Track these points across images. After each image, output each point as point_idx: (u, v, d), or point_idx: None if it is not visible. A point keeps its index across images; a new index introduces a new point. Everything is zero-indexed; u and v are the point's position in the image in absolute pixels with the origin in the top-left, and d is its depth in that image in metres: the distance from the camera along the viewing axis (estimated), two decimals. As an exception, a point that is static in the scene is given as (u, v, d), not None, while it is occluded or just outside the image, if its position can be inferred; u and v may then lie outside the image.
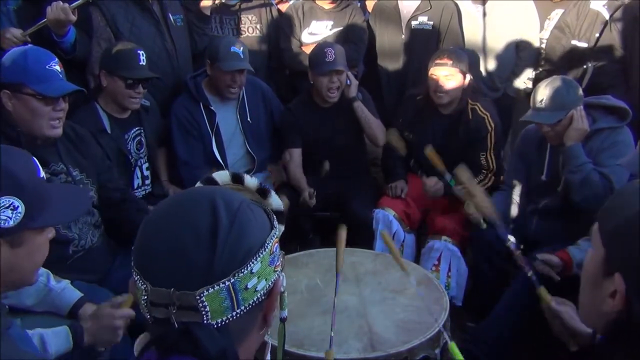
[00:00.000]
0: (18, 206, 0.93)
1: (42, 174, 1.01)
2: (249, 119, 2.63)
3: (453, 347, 1.30)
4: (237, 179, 0.82)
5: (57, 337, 1.37)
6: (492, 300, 2.17)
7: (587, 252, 0.84)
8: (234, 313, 0.69)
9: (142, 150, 2.34)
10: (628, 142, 2.11)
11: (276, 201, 0.82)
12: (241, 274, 0.69)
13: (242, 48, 2.45)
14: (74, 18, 2.06)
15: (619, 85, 2.70)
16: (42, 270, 1.60)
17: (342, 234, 1.59)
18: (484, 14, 2.98)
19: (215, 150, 2.56)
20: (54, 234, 1.06)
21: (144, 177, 2.36)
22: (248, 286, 0.70)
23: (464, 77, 2.49)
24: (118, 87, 2.16)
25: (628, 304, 0.74)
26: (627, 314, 0.74)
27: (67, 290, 1.61)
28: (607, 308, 0.76)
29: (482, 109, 2.54)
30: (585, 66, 2.78)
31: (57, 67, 1.70)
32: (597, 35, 2.75)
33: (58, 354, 1.36)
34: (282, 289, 0.79)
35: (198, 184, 0.83)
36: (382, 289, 1.86)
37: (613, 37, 2.74)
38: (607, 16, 2.75)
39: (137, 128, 2.31)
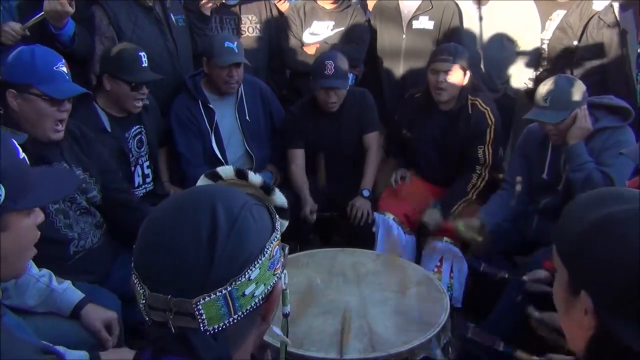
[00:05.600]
0: None
1: (22, 154, 0.97)
2: (247, 118, 2.63)
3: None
4: (241, 174, 0.82)
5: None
6: (492, 300, 2.17)
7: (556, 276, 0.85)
8: (231, 319, 0.70)
9: (142, 149, 2.35)
10: (630, 141, 2.11)
11: (280, 198, 0.81)
12: (238, 282, 0.69)
13: (235, 42, 2.47)
14: (71, 10, 2.06)
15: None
16: (45, 271, 1.60)
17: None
18: (480, 18, 2.98)
19: (215, 148, 2.56)
20: (42, 219, 1.02)
21: (144, 176, 2.37)
22: (245, 293, 0.70)
23: (464, 74, 2.49)
24: (122, 90, 2.16)
25: (599, 319, 0.75)
26: (601, 329, 0.75)
27: (69, 291, 1.61)
28: (584, 326, 0.77)
29: (482, 104, 2.52)
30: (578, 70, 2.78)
31: (64, 69, 1.71)
32: (580, 35, 2.76)
33: None
34: (284, 287, 0.78)
35: (202, 178, 0.83)
36: (382, 289, 1.86)
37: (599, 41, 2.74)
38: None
39: (137, 126, 2.31)
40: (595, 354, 0.77)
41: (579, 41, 2.81)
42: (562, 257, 0.81)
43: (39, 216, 1.01)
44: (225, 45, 2.43)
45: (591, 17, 2.78)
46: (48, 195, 1.04)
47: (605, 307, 0.74)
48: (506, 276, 1.99)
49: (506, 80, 3.08)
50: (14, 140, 0.97)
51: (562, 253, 0.81)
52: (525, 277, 1.91)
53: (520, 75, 3.08)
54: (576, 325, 0.79)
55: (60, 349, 1.34)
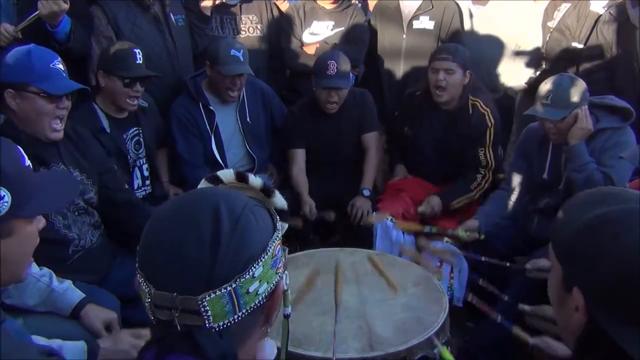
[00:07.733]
0: (4, 195, 0.91)
1: (27, 162, 1.00)
2: (248, 119, 2.63)
3: (444, 351, 1.32)
4: (241, 177, 0.83)
5: (73, 351, 1.35)
6: (492, 301, 2.16)
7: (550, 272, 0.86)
8: (236, 316, 0.71)
9: (140, 151, 2.35)
10: (631, 142, 2.11)
11: (280, 200, 0.82)
12: (243, 279, 0.70)
13: (242, 50, 2.44)
14: (66, 6, 2.06)
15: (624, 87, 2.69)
16: (45, 270, 1.61)
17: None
18: (480, 18, 2.98)
19: (215, 150, 2.56)
20: (44, 224, 1.04)
21: (143, 178, 2.37)
22: (249, 290, 0.71)
23: (465, 73, 2.49)
24: (116, 86, 2.17)
25: (590, 316, 0.75)
26: (591, 326, 0.76)
27: (70, 291, 1.62)
28: (575, 322, 0.78)
29: (482, 105, 2.53)
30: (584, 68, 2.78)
31: (61, 66, 1.72)
32: (589, 34, 2.76)
33: None
34: (285, 287, 0.80)
35: (203, 182, 0.84)
36: (381, 289, 1.86)
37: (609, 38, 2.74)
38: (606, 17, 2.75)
39: (135, 128, 2.32)
40: (584, 349, 0.78)
41: (587, 39, 2.79)
42: (557, 253, 0.81)
43: (40, 221, 1.03)
44: (232, 53, 2.40)
45: (599, 17, 2.77)
46: (53, 203, 1.05)
47: (596, 304, 0.75)
48: (507, 265, 2.02)
49: (506, 80, 3.08)
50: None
51: (557, 250, 0.82)
52: (527, 265, 1.97)
53: (520, 75, 3.08)
54: (568, 321, 0.80)
55: (55, 342, 1.35)
